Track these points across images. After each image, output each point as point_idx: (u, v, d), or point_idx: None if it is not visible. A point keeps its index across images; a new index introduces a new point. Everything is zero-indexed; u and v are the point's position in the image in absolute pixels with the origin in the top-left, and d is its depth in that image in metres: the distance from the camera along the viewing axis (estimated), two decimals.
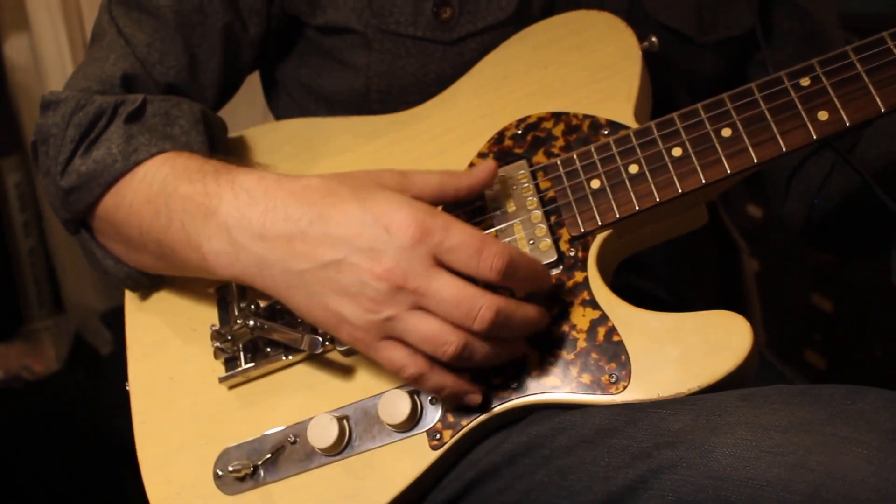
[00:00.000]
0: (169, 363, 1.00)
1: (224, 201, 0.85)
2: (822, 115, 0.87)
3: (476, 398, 0.85)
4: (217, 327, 0.97)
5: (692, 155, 0.89)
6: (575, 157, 0.93)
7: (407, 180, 0.85)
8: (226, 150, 1.08)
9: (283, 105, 1.19)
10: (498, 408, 0.87)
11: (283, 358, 0.95)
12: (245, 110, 1.93)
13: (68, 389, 2.28)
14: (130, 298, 1.06)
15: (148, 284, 1.03)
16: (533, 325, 0.83)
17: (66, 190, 0.96)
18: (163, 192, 0.90)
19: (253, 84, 1.19)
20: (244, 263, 0.84)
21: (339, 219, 0.80)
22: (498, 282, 0.80)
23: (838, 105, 0.86)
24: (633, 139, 0.91)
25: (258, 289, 0.86)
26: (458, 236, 0.78)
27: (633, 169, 0.90)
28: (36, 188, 2.40)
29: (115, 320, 2.31)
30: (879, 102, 0.86)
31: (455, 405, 0.87)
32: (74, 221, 1.01)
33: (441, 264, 0.79)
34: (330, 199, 0.82)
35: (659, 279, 1.16)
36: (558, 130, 0.97)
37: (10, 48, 2.32)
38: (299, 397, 0.94)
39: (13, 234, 2.39)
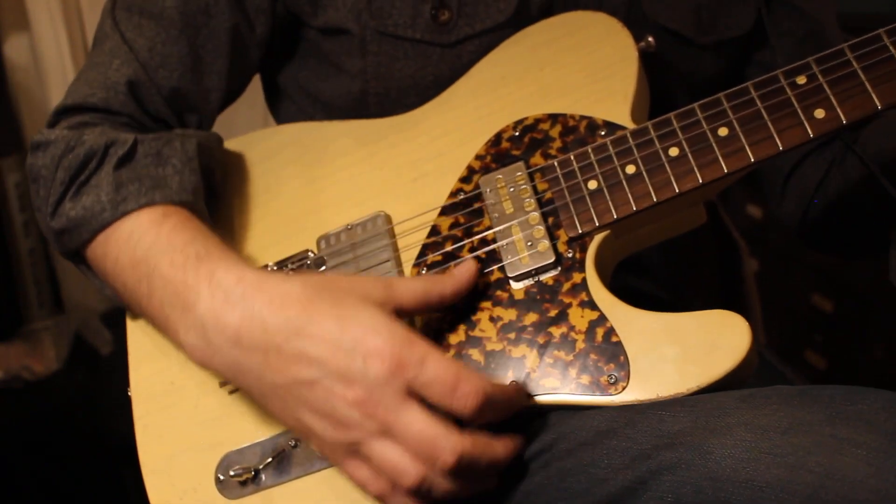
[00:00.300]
0: (170, 368, 1.00)
1: (201, 298, 0.84)
2: (819, 113, 0.87)
3: None
4: None
5: (689, 155, 0.89)
6: (572, 158, 0.93)
7: (391, 292, 0.83)
8: (224, 165, 1.08)
9: (283, 108, 1.19)
10: None
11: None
12: (245, 112, 1.93)
13: (68, 389, 2.28)
14: None
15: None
16: (500, 465, 0.81)
17: (57, 231, 0.96)
18: (145, 263, 0.90)
19: (253, 87, 1.19)
20: (219, 363, 0.85)
21: (316, 338, 0.79)
22: (472, 420, 0.78)
23: (835, 103, 0.86)
24: (630, 139, 0.91)
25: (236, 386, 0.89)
26: (433, 372, 0.77)
27: (631, 169, 0.90)
28: None
29: (115, 320, 2.31)
30: (876, 100, 0.86)
31: None
32: (68, 255, 1.01)
33: (415, 395, 0.78)
34: (308, 315, 0.80)
35: (657, 280, 1.16)
36: (555, 132, 0.97)
37: (10, 48, 2.32)
38: None
39: (13, 234, 2.39)
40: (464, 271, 0.89)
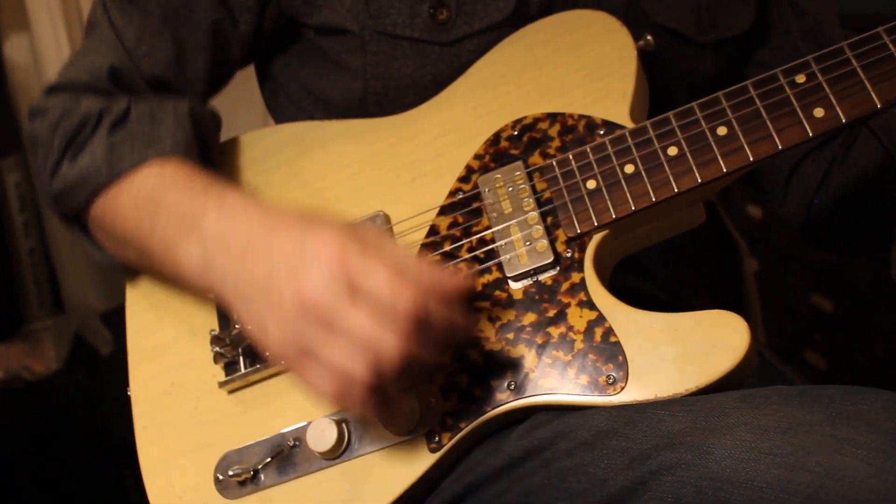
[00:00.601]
0: (170, 368, 1.01)
1: (207, 216, 0.88)
2: (818, 112, 0.87)
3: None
4: (216, 332, 0.98)
5: (688, 154, 0.89)
6: (571, 157, 0.93)
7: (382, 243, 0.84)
8: (219, 147, 1.09)
9: (281, 107, 1.19)
10: (495, 410, 0.87)
11: (283, 362, 0.94)
12: (245, 112, 1.93)
13: (68, 389, 2.28)
14: (131, 303, 1.06)
15: (134, 273, 1.06)
16: (439, 365, 0.82)
17: (56, 194, 1.00)
18: (150, 201, 0.93)
19: (252, 86, 1.19)
20: (211, 272, 0.87)
21: (280, 238, 0.82)
22: (408, 327, 0.77)
23: (834, 101, 0.86)
24: (629, 139, 0.91)
25: (223, 302, 0.88)
26: (377, 272, 0.77)
27: (629, 169, 0.90)
28: (36, 188, 2.40)
29: (115, 320, 2.31)
30: (875, 98, 0.86)
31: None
32: (65, 218, 1.04)
33: (357, 295, 0.78)
34: (285, 224, 0.83)
35: (657, 280, 1.16)
36: (554, 131, 0.97)
37: (10, 48, 2.32)
38: (299, 401, 0.94)
39: (13, 234, 2.39)
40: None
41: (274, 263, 0.81)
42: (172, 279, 0.96)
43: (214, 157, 1.07)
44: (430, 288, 0.78)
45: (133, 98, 1.00)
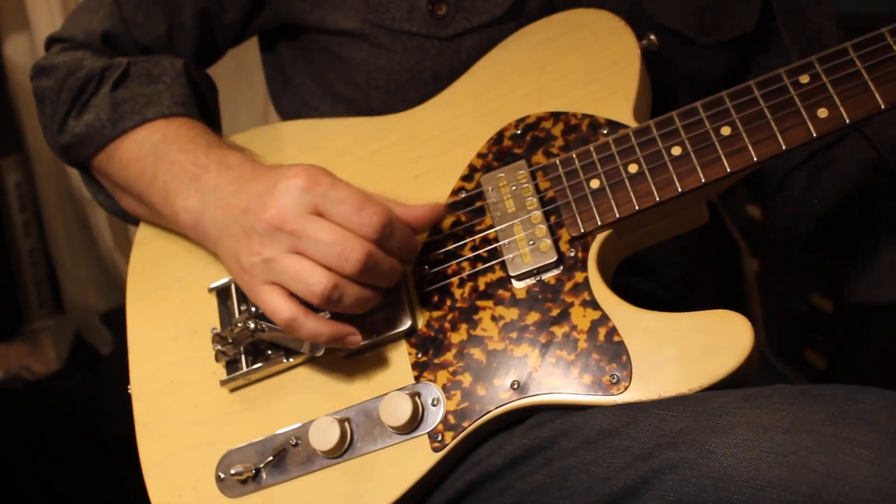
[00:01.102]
0: (170, 366, 1.01)
1: (208, 172, 0.94)
2: (822, 113, 0.87)
3: (356, 339, 0.88)
4: (218, 330, 0.97)
5: (691, 154, 0.89)
6: (574, 156, 0.93)
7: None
8: (214, 90, 1.14)
9: (287, 99, 1.19)
10: (499, 409, 0.87)
11: (284, 360, 0.95)
12: (245, 112, 1.93)
13: (68, 389, 2.27)
14: (131, 301, 1.06)
15: (135, 220, 1.12)
16: (398, 274, 0.87)
17: (64, 146, 1.07)
18: (153, 154, 1.00)
19: (253, 87, 1.19)
20: (203, 221, 0.93)
21: (261, 179, 0.89)
22: (374, 238, 0.84)
23: (838, 102, 0.86)
24: (633, 138, 0.91)
25: (210, 248, 0.96)
26: (342, 191, 0.84)
27: (633, 168, 0.90)
28: (36, 188, 2.40)
29: (115, 320, 2.31)
30: (879, 99, 0.86)
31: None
32: (73, 165, 1.11)
33: (323, 215, 0.84)
34: (269, 169, 0.91)
35: (660, 280, 1.16)
36: (557, 130, 0.97)
37: (10, 48, 2.32)
38: (301, 400, 0.94)
39: (13, 234, 2.38)
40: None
41: (250, 197, 0.88)
42: (165, 223, 1.04)
43: (214, 115, 1.12)
44: (390, 210, 0.85)
45: (132, 58, 1.06)
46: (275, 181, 0.87)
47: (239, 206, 0.89)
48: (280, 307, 0.86)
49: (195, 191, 0.94)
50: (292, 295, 0.86)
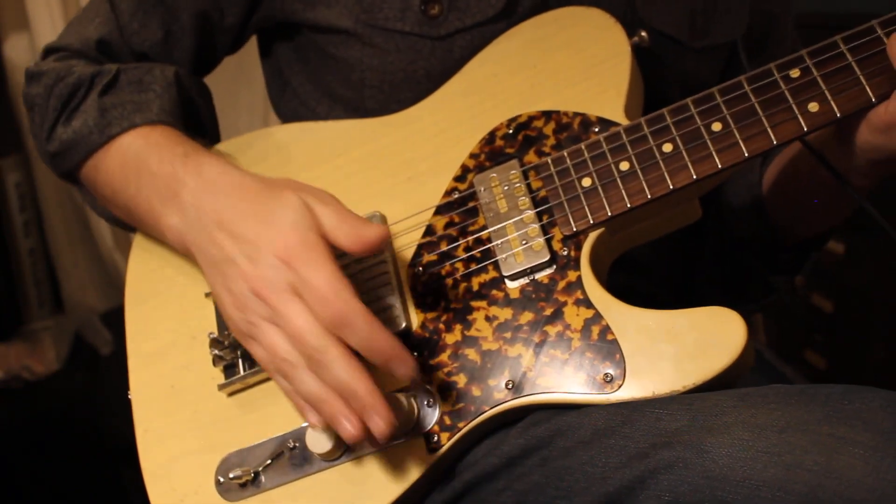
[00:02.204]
0: (169, 371, 1.01)
1: (185, 187, 0.92)
2: (813, 107, 0.86)
3: (312, 420, 0.85)
4: (215, 335, 0.98)
5: (683, 150, 0.89)
6: (566, 155, 0.93)
7: (319, 208, 0.87)
8: (213, 117, 1.13)
9: (286, 101, 1.19)
10: (494, 409, 0.87)
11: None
12: (245, 112, 1.93)
13: (68, 389, 2.28)
14: (130, 307, 1.07)
15: (130, 228, 1.12)
16: (345, 387, 0.82)
17: (52, 153, 1.05)
18: (134, 164, 0.99)
19: (253, 87, 1.19)
20: (188, 242, 0.92)
21: (243, 220, 0.87)
22: (331, 331, 0.81)
23: (828, 96, 0.86)
24: (624, 136, 0.91)
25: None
26: (315, 278, 0.82)
27: (624, 166, 0.90)
28: (36, 188, 2.41)
29: (115, 320, 2.32)
30: (870, 92, 0.85)
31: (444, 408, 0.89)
32: (62, 176, 1.10)
33: (298, 292, 0.83)
34: (249, 204, 0.88)
35: (659, 279, 1.16)
36: (549, 129, 0.96)
37: (10, 48, 2.33)
38: None
39: (13, 234, 2.39)
40: (375, 231, 0.87)
41: (234, 247, 0.86)
42: (154, 235, 1.02)
43: (205, 119, 1.11)
44: (350, 312, 0.81)
45: (122, 65, 1.05)
46: (257, 240, 0.85)
47: (222, 249, 0.88)
48: (263, 359, 0.87)
49: (176, 209, 0.93)
50: None
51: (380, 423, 0.81)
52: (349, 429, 0.81)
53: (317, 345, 0.81)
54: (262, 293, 0.83)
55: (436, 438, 0.88)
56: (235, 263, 0.86)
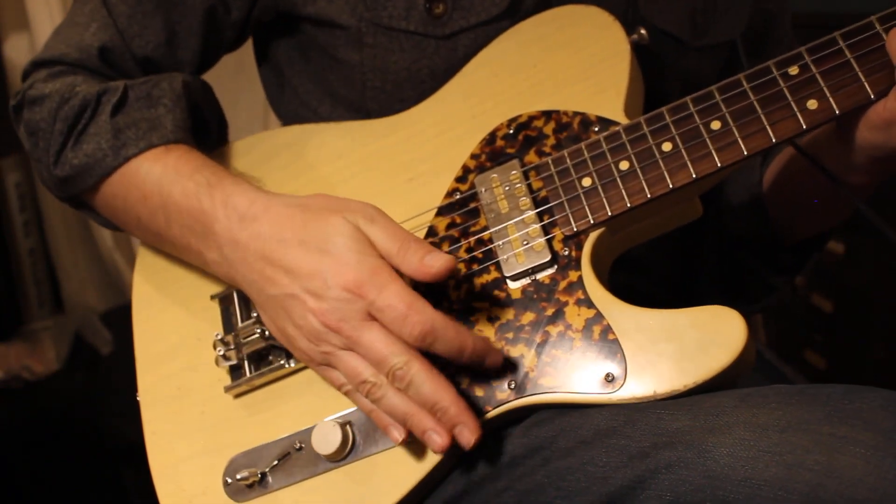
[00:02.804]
0: (176, 373, 1.02)
1: (218, 222, 0.92)
2: (812, 104, 0.86)
3: (396, 436, 0.87)
4: (221, 336, 0.98)
5: (682, 149, 0.89)
6: (566, 155, 0.93)
7: (368, 228, 0.88)
8: (219, 115, 1.12)
9: (286, 101, 1.19)
10: (496, 410, 0.87)
11: (287, 365, 0.95)
12: (245, 113, 1.93)
13: (68, 389, 2.28)
14: (137, 309, 1.07)
15: (141, 272, 1.10)
16: (434, 402, 0.85)
17: (61, 178, 1.02)
18: (158, 194, 0.97)
19: (252, 88, 1.19)
20: (234, 276, 0.94)
21: (302, 258, 0.87)
22: (418, 346, 0.84)
23: (827, 93, 0.86)
24: (623, 135, 0.91)
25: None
26: (388, 299, 0.84)
27: (624, 166, 0.90)
28: (36, 188, 2.40)
29: (115, 320, 2.32)
30: (868, 89, 0.85)
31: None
32: (68, 200, 1.07)
33: (373, 317, 0.85)
34: (300, 234, 0.88)
35: (660, 279, 1.16)
36: (549, 129, 0.97)
37: (10, 48, 2.33)
38: (304, 404, 0.95)
39: (13, 234, 2.39)
40: (442, 262, 0.87)
41: (292, 283, 0.88)
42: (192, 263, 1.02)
43: (210, 121, 1.10)
44: (434, 319, 0.84)
45: (128, 81, 1.02)
46: (319, 271, 0.86)
47: (281, 286, 0.88)
48: (344, 385, 0.89)
49: (213, 245, 0.94)
50: None
51: (467, 435, 0.84)
52: (438, 442, 0.84)
53: (400, 364, 0.83)
54: (337, 326, 0.85)
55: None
56: (299, 299, 0.87)
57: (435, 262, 0.85)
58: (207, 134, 1.10)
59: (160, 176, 0.97)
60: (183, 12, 1.06)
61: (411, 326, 0.83)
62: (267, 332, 0.95)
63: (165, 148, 0.99)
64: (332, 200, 0.90)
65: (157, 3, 1.05)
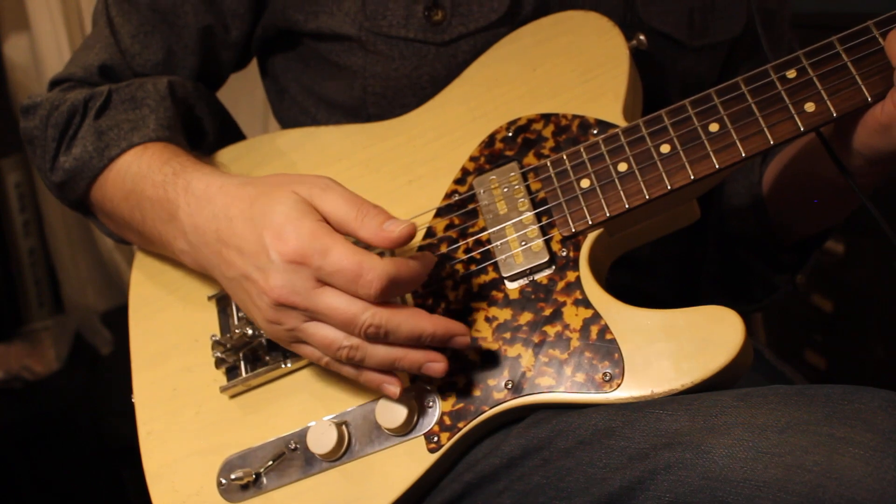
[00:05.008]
0: (172, 374, 1.02)
1: (180, 209, 0.93)
2: (809, 107, 0.87)
3: (393, 389, 0.87)
4: (217, 337, 0.98)
5: (680, 151, 0.89)
6: (564, 157, 0.93)
7: (321, 197, 0.86)
8: (221, 116, 1.14)
9: (286, 108, 1.19)
10: (494, 410, 0.88)
11: (283, 366, 0.95)
12: (245, 114, 1.93)
13: (68, 389, 2.28)
14: (134, 310, 1.07)
15: (138, 273, 1.11)
16: (418, 335, 0.84)
17: (58, 184, 1.05)
18: (134, 192, 0.99)
19: (252, 89, 1.19)
20: (202, 262, 0.93)
21: (243, 235, 0.86)
22: (380, 301, 0.82)
23: (825, 96, 0.86)
24: (622, 137, 0.91)
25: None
26: (336, 263, 0.81)
27: (622, 167, 0.90)
28: (36, 188, 2.41)
29: (115, 320, 2.32)
30: (865, 92, 0.86)
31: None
32: (74, 206, 1.10)
33: (325, 283, 0.83)
34: (243, 216, 0.87)
35: (660, 279, 1.17)
36: (548, 131, 0.97)
37: (10, 48, 2.33)
38: (299, 404, 0.95)
39: (13, 234, 2.39)
40: (401, 228, 0.85)
41: (244, 262, 0.86)
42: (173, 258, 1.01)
43: (207, 123, 1.11)
44: (388, 270, 0.82)
45: (114, 85, 1.04)
46: (261, 245, 0.84)
47: (235, 268, 0.87)
48: (320, 358, 0.88)
49: (178, 231, 0.93)
50: None
51: (461, 340, 0.85)
52: (438, 367, 0.85)
53: (368, 318, 0.82)
54: (289, 300, 0.83)
55: (436, 438, 0.88)
56: (251, 279, 0.85)
57: (395, 228, 0.83)
58: (203, 134, 1.11)
59: (136, 173, 0.99)
60: (179, 32, 1.08)
61: (367, 286, 0.81)
62: (251, 332, 0.95)
63: (143, 147, 1.00)
64: (286, 177, 0.88)
65: (156, 24, 1.07)
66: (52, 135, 1.04)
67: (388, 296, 0.82)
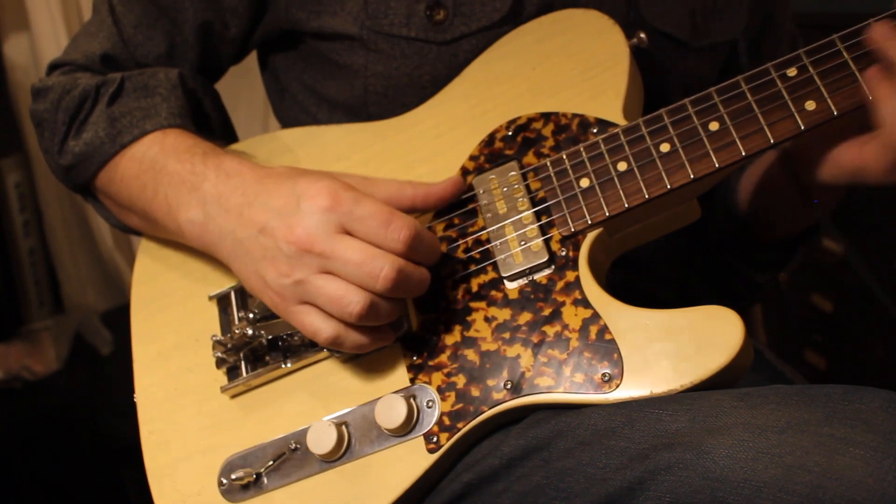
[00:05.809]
0: (173, 374, 1.02)
1: (207, 180, 0.93)
2: (810, 105, 0.86)
3: (391, 339, 0.89)
4: (218, 337, 0.98)
5: (680, 150, 0.89)
6: (564, 156, 0.93)
7: (368, 182, 0.90)
8: (223, 116, 1.14)
9: (286, 107, 1.19)
10: (493, 410, 0.87)
11: (283, 366, 0.95)
12: (245, 114, 1.93)
13: (68, 389, 2.28)
14: (136, 310, 1.07)
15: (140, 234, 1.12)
16: (427, 283, 0.87)
17: (66, 167, 1.06)
18: (151, 169, 0.99)
19: (252, 88, 1.19)
20: (210, 233, 0.93)
21: (274, 192, 0.88)
22: (403, 252, 0.84)
23: (825, 94, 0.86)
24: (622, 136, 0.91)
25: (221, 260, 0.94)
26: (368, 208, 0.84)
27: (622, 166, 0.90)
28: (36, 188, 2.41)
29: (115, 320, 2.32)
30: (866, 90, 0.85)
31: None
32: (77, 189, 1.10)
33: (349, 233, 0.84)
34: (277, 179, 0.89)
35: (661, 279, 1.16)
36: (548, 130, 0.97)
37: (10, 48, 2.33)
38: (300, 404, 0.95)
39: (13, 234, 2.39)
40: (446, 181, 0.91)
41: (268, 214, 0.87)
42: (173, 237, 1.02)
43: (213, 118, 1.12)
44: (416, 223, 0.84)
45: (126, 73, 1.05)
46: (296, 198, 0.86)
47: (254, 222, 0.88)
48: (320, 328, 0.86)
49: (196, 201, 0.93)
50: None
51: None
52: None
53: (381, 264, 0.82)
54: (308, 242, 0.83)
55: (435, 439, 0.88)
56: (268, 230, 0.86)
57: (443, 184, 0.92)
58: (210, 130, 1.11)
59: (156, 155, 0.99)
60: (180, 27, 1.08)
61: (397, 230, 0.82)
62: (251, 332, 0.95)
63: (163, 132, 1.01)
64: (321, 172, 0.91)
65: (158, 17, 1.08)
66: (62, 118, 1.04)
67: (411, 250, 0.83)
